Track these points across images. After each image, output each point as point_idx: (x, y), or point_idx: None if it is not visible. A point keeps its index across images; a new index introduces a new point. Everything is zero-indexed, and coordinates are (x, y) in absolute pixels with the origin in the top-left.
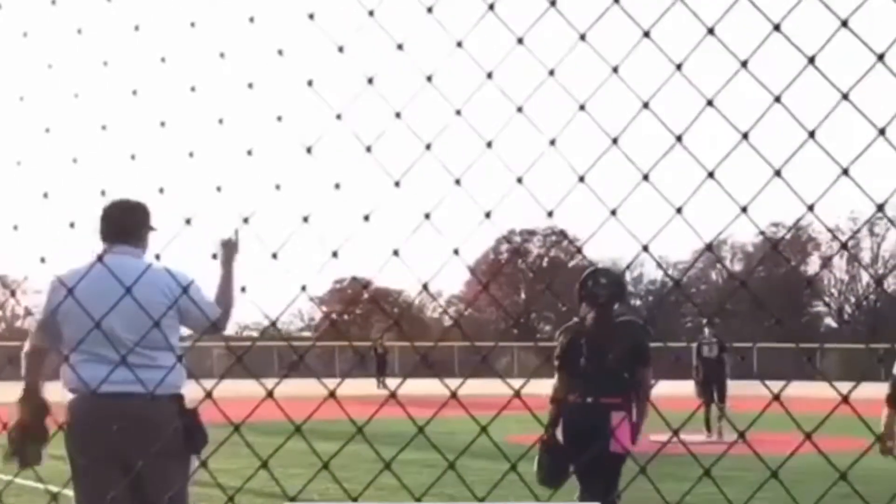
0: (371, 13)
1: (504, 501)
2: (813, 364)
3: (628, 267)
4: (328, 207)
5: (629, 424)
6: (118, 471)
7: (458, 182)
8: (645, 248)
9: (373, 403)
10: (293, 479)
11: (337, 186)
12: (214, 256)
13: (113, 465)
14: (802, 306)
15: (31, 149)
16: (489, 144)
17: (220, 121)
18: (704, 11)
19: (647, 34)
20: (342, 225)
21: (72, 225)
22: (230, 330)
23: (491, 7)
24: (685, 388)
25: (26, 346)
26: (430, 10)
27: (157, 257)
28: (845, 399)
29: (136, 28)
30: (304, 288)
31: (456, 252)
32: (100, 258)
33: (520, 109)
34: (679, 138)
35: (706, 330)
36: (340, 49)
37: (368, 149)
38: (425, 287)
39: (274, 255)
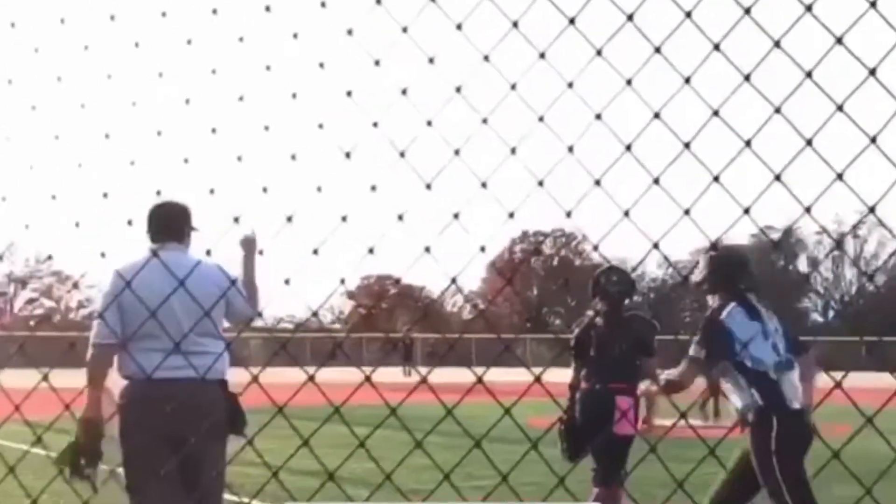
0: (405, 29)
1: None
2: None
3: (638, 265)
4: (364, 208)
5: (635, 410)
6: (169, 450)
7: (484, 185)
8: (655, 246)
9: (399, 390)
10: (327, 459)
11: (373, 188)
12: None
13: (165, 444)
14: (792, 302)
15: (92, 153)
16: (513, 151)
17: (266, 127)
18: (710, 26)
19: (657, 49)
20: (376, 224)
21: (129, 223)
22: (268, 321)
23: (515, 25)
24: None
25: (90, 349)
26: (459, 26)
27: (209, 253)
28: (838, 385)
29: (189, 42)
30: (342, 281)
31: (483, 249)
32: (154, 253)
33: (541, 119)
34: (687, 145)
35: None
36: (377, 63)
37: (402, 154)
38: (454, 281)
39: (315, 252)
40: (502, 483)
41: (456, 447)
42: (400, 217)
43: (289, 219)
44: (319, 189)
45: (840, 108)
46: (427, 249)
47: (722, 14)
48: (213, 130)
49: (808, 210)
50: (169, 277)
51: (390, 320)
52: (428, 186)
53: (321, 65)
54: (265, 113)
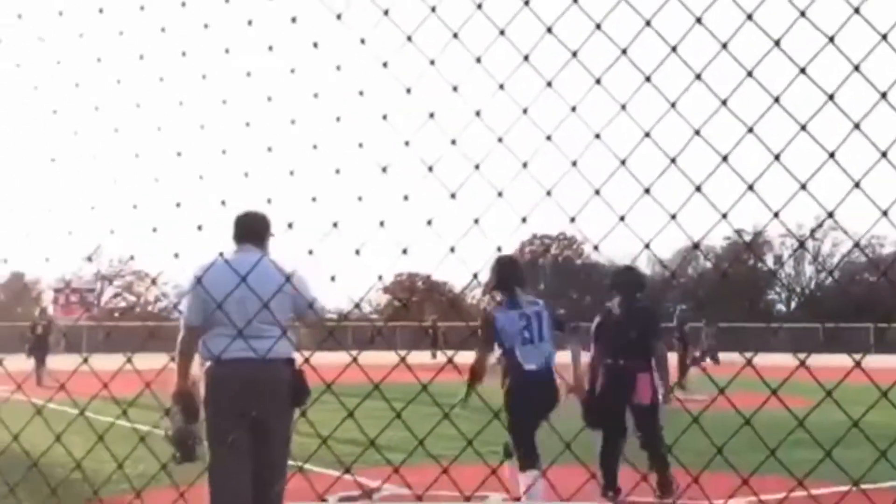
0: (432, 62)
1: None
2: (778, 336)
3: (635, 259)
4: (398, 215)
5: (650, 382)
6: (244, 419)
7: (500, 194)
8: (647, 246)
9: (428, 370)
10: (368, 429)
11: (406, 198)
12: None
13: (241, 415)
14: (760, 294)
15: (166, 169)
16: (525, 165)
17: (315, 146)
18: (696, 53)
19: (648, 78)
20: (408, 229)
21: (199, 228)
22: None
23: (526, 58)
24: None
25: (181, 331)
26: (478, 59)
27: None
28: (802, 363)
29: (248, 74)
30: (380, 277)
31: (499, 249)
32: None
33: (549, 138)
34: (673, 160)
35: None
36: (408, 91)
37: (430, 168)
38: (475, 277)
39: (357, 252)
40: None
41: (476, 420)
42: (429, 222)
43: (335, 224)
44: (360, 199)
45: (803, 127)
46: (452, 250)
47: (705, 43)
48: (269, 149)
49: (776, 215)
50: (251, 274)
51: (419, 311)
52: (452, 196)
53: (360, 93)
54: (313, 134)
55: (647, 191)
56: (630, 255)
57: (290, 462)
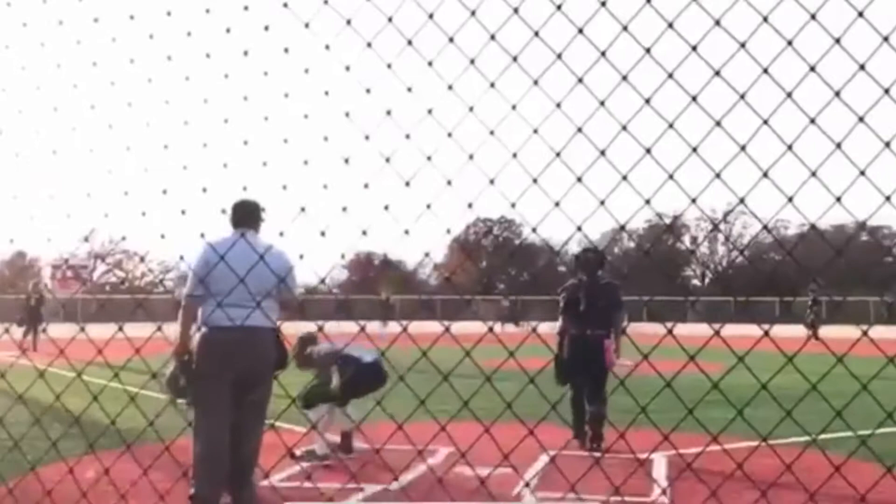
0: (389, 66)
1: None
2: (695, 309)
3: (564, 244)
4: (360, 202)
5: (610, 349)
6: (230, 380)
7: (449, 183)
8: (579, 228)
9: (383, 339)
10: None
11: (366, 186)
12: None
13: (229, 376)
14: (678, 271)
15: (155, 160)
16: (471, 157)
17: (285, 141)
18: (620, 59)
19: (580, 80)
20: (368, 213)
21: (183, 212)
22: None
23: (472, 62)
24: None
25: (183, 300)
26: (430, 63)
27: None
28: (717, 333)
29: (226, 77)
30: (342, 256)
31: (448, 231)
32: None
33: (492, 133)
34: (603, 152)
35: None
36: (368, 91)
37: (387, 160)
38: (427, 255)
39: (322, 234)
40: (463, 407)
41: (429, 381)
42: (386, 207)
43: (302, 209)
44: (325, 187)
45: (718, 123)
46: (406, 232)
47: (632, 47)
48: (245, 143)
49: (693, 201)
50: (243, 253)
51: (376, 286)
52: (407, 184)
53: (368, 90)
54: (284, 130)
55: (580, 179)
56: (564, 236)
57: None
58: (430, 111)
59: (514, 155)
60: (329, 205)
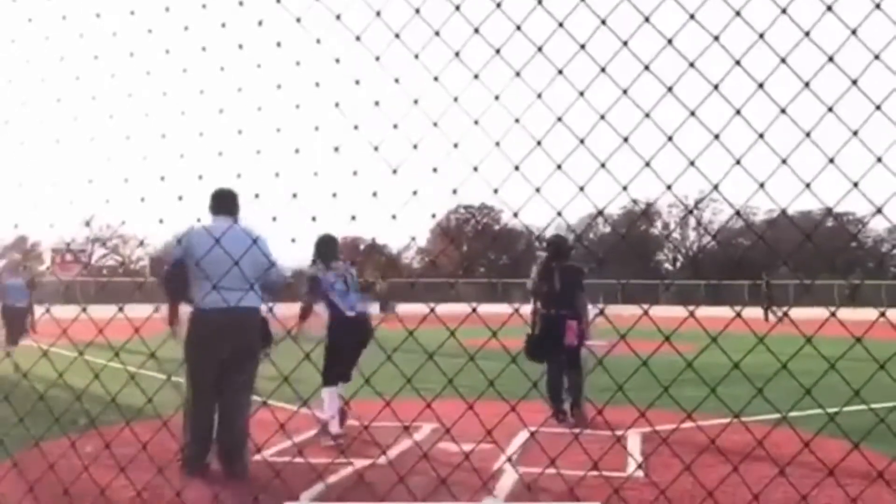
0: (377, 59)
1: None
2: (670, 291)
3: (545, 229)
4: (349, 188)
5: (577, 328)
6: (218, 358)
7: (434, 170)
8: (559, 214)
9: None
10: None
11: (355, 174)
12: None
13: (218, 352)
14: (651, 256)
15: (153, 148)
16: (455, 146)
17: (278, 130)
18: (599, 51)
19: (560, 72)
20: (357, 199)
21: (180, 198)
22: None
23: (457, 54)
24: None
25: (165, 267)
26: (416, 56)
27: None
28: (692, 314)
29: (222, 69)
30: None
31: (434, 216)
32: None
33: (476, 122)
34: (582, 141)
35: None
36: (357, 82)
37: (376, 148)
38: (413, 239)
39: (313, 219)
40: (448, 385)
41: (415, 361)
42: (374, 194)
43: (294, 196)
44: (316, 174)
45: (692, 113)
46: (394, 217)
47: (610, 41)
48: (240, 132)
49: (669, 187)
50: (224, 238)
51: (362, 270)
52: (394, 172)
53: (316, 84)
54: (277, 119)
55: (559, 167)
56: (542, 221)
57: (258, 398)
58: (416, 101)
59: (497, 143)
60: (320, 191)
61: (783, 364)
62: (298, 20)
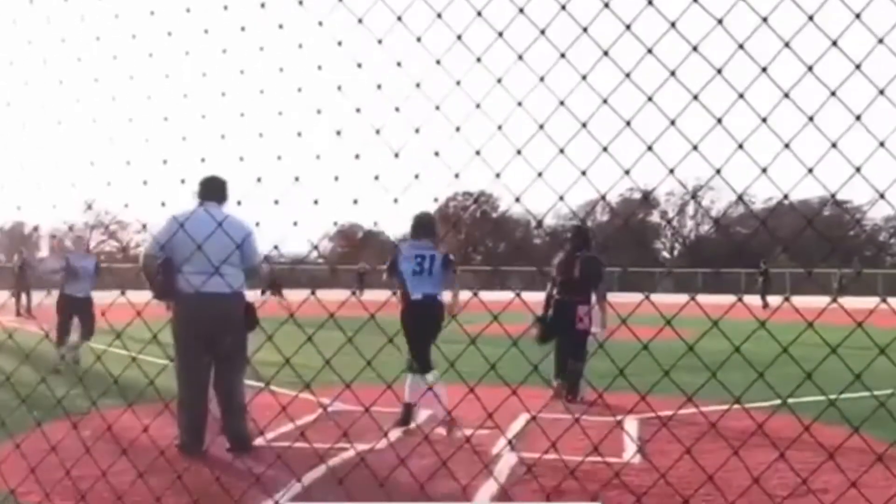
0: (380, 41)
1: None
2: (670, 277)
3: (545, 215)
4: (351, 172)
5: (589, 315)
6: (205, 339)
7: (437, 154)
8: (561, 198)
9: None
10: (325, 352)
11: (357, 157)
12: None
13: (203, 335)
14: (648, 243)
15: (155, 132)
16: (458, 129)
17: (280, 113)
18: (601, 36)
19: (563, 55)
20: (359, 183)
21: (182, 181)
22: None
23: (459, 38)
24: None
25: (142, 258)
26: (419, 39)
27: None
28: (693, 299)
29: (224, 51)
30: (335, 223)
31: (436, 200)
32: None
33: (478, 106)
34: (584, 125)
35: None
36: (359, 66)
37: (378, 131)
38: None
39: (315, 202)
40: (448, 370)
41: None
42: (376, 177)
43: (296, 179)
44: (318, 157)
45: (695, 97)
46: (395, 201)
47: (614, 25)
48: (242, 115)
49: (671, 171)
50: (207, 224)
51: (357, 256)
52: (396, 156)
53: (319, 67)
54: (279, 102)
55: (562, 151)
56: (542, 208)
57: (260, 383)
58: (417, 85)
59: (500, 127)
60: (321, 175)
61: (784, 348)
62: (301, 2)
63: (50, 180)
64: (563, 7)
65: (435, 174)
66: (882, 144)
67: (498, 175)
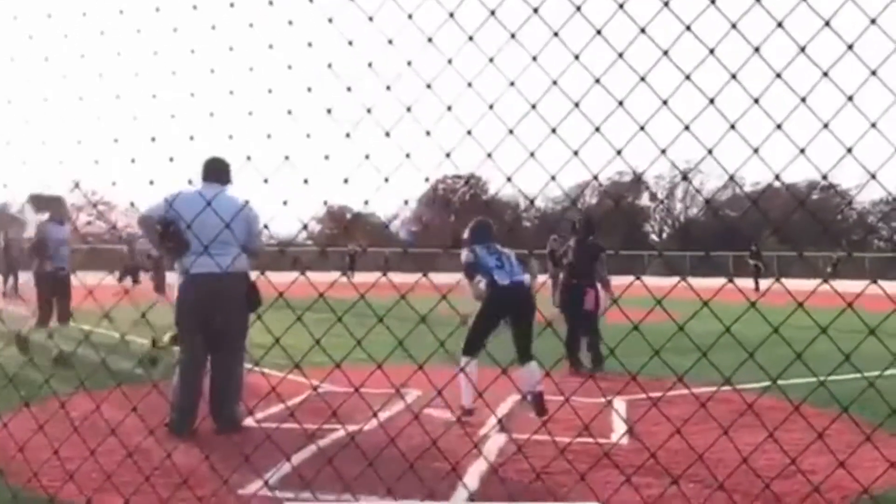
0: (371, 19)
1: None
2: (661, 260)
3: (536, 197)
4: (341, 151)
5: (595, 296)
6: (207, 319)
7: (428, 133)
8: (553, 178)
9: (345, 287)
10: (316, 332)
11: (347, 135)
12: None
13: (205, 316)
14: (639, 226)
15: (144, 109)
16: (449, 108)
17: (270, 91)
18: (595, 16)
19: (556, 34)
20: (350, 163)
21: (171, 159)
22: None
23: (451, 15)
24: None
25: (139, 217)
26: (410, 16)
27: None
28: (684, 279)
29: (213, 28)
30: (325, 202)
31: (427, 180)
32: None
33: (469, 84)
34: (577, 104)
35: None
36: (350, 43)
37: (369, 110)
38: (406, 203)
39: (305, 181)
40: (438, 350)
41: (401, 328)
42: (367, 157)
43: (286, 158)
44: (308, 136)
45: (688, 77)
46: (386, 179)
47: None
48: (231, 93)
49: (663, 151)
50: (212, 204)
51: (346, 237)
52: (387, 135)
53: (309, 44)
54: (269, 80)
55: (554, 130)
56: (532, 190)
57: (250, 366)
58: (409, 63)
59: (491, 106)
60: (312, 154)
61: (775, 328)
62: None
63: (37, 157)
64: None
65: (426, 154)
66: (874, 126)
67: (489, 154)
